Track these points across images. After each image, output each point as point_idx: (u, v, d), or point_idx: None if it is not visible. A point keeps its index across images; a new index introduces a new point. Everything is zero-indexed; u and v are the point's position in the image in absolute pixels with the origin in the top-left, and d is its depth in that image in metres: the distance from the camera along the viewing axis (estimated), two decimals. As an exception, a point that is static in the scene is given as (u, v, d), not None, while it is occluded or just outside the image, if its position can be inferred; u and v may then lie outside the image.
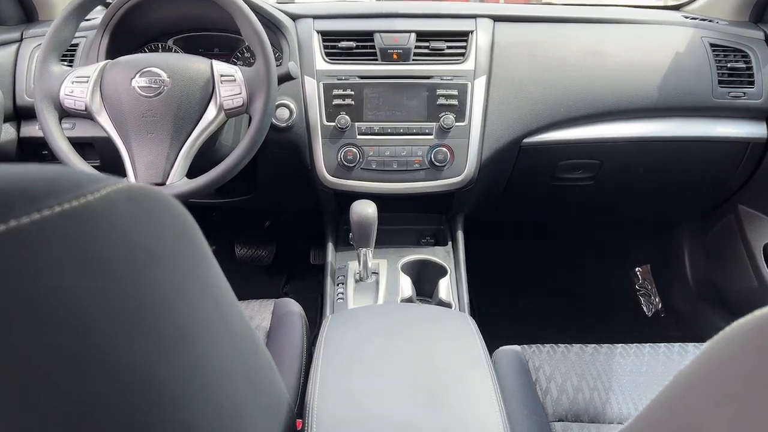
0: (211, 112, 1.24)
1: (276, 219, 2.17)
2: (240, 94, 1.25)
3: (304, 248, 2.15)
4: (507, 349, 1.21)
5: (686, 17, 1.63)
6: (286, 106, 1.45)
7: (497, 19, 1.53)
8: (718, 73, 1.50)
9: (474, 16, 1.51)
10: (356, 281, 1.39)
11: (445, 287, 1.35)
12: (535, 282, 2.16)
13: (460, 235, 1.55)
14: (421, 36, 1.48)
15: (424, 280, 1.41)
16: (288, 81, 1.32)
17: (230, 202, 1.66)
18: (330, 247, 1.52)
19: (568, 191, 1.69)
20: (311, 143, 1.45)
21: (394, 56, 1.47)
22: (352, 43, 1.47)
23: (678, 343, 1.28)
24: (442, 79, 1.45)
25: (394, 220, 1.59)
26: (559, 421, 1.12)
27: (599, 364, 1.23)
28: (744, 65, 1.51)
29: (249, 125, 1.24)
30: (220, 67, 1.26)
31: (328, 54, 1.47)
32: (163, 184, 1.23)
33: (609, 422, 1.12)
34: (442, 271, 1.40)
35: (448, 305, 1.29)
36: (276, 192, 1.67)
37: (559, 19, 1.57)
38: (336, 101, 1.44)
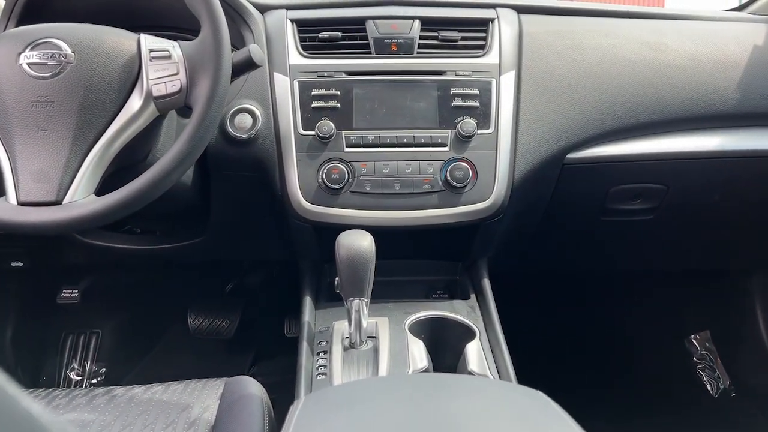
0: (135, 101, 0.90)
1: (240, 280, 1.77)
2: (176, 75, 0.90)
3: (277, 317, 1.73)
4: None
5: (753, 14, 1.33)
6: (249, 111, 1.09)
7: (522, 10, 1.21)
8: (815, 70, 1.17)
9: (493, 6, 1.19)
10: (345, 348, 0.97)
11: (475, 354, 0.95)
12: (570, 353, 1.76)
13: (486, 284, 1.16)
14: (428, 24, 1.16)
15: (444, 345, 1.03)
16: (249, 71, 0.97)
17: (172, 249, 1.25)
18: (308, 302, 1.11)
19: (621, 230, 1.33)
20: (282, 159, 1.09)
21: (393, 47, 1.14)
22: (337, 33, 1.13)
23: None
24: (457, 76, 1.12)
25: (393, 270, 1.19)
26: None
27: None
28: (843, 59, 1.18)
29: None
30: (149, 40, 0.90)
31: (305, 47, 1.14)
32: (57, 203, 0.85)
33: None
34: (468, 333, 1.02)
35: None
36: (235, 232, 1.27)
37: (601, 13, 1.25)
38: (316, 104, 1.09)
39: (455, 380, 0.63)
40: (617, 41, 1.18)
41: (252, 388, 0.88)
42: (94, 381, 1.68)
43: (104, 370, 1.69)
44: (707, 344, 1.76)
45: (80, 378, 1.68)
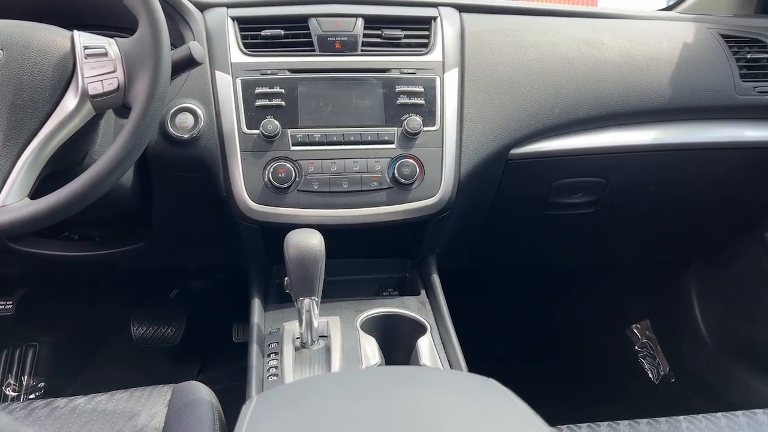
0: (70, 101, 0.86)
1: (185, 285, 1.71)
2: (113, 73, 0.87)
3: (224, 323, 1.68)
4: None
5: (683, 14, 1.39)
6: (190, 110, 1.07)
7: (463, 9, 1.22)
8: (738, 65, 1.24)
9: (435, 4, 1.20)
10: (297, 349, 0.95)
11: (427, 348, 0.96)
12: (519, 345, 1.79)
13: (436, 279, 1.16)
14: (371, 22, 1.16)
15: (396, 341, 1.03)
16: (189, 69, 0.94)
17: (113, 255, 1.21)
18: (256, 304, 1.09)
19: (564, 224, 1.36)
20: (226, 159, 1.06)
21: (337, 45, 1.13)
22: (280, 31, 1.12)
23: (761, 411, 0.91)
24: (402, 73, 1.12)
25: (343, 269, 1.19)
26: None
27: (664, 450, 0.83)
28: (765, 56, 1.26)
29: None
30: (84, 37, 0.87)
31: (247, 45, 1.12)
32: None
33: None
34: (419, 329, 1.02)
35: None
36: (179, 235, 1.24)
37: (540, 12, 1.28)
38: (260, 102, 1.07)
39: (408, 372, 0.63)
40: (556, 39, 1.21)
41: (201, 392, 0.86)
42: (32, 396, 1.60)
43: (43, 384, 1.62)
44: (648, 333, 1.82)
45: (17, 394, 1.60)
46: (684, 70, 1.22)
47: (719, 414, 0.90)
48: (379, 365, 0.91)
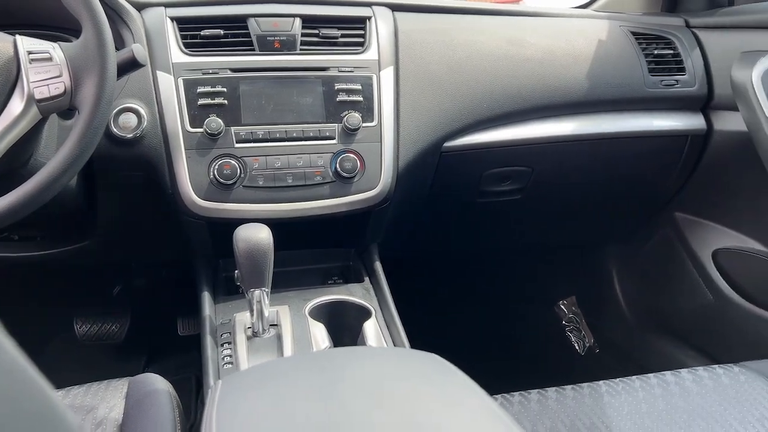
0: (16, 105, 0.86)
1: (127, 281, 1.71)
2: (59, 77, 0.88)
3: (169, 317, 1.69)
4: None
5: (597, 11, 1.49)
6: (133, 110, 1.08)
7: (395, 8, 1.28)
8: (647, 61, 1.35)
9: (369, 4, 1.25)
10: (249, 338, 1.00)
11: (372, 331, 1.02)
12: (458, 324, 1.88)
13: (378, 266, 1.22)
14: (308, 22, 1.20)
15: (342, 327, 1.09)
16: (133, 71, 0.95)
17: (56, 255, 1.21)
18: (206, 297, 1.12)
19: (495, 210, 1.45)
20: (171, 157, 1.09)
21: (276, 45, 1.16)
22: (219, 31, 1.14)
23: (669, 372, 1.02)
24: (340, 71, 1.16)
25: (289, 260, 1.23)
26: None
27: (588, 410, 0.94)
28: (670, 52, 1.38)
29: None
30: (27, 42, 0.88)
31: (187, 45, 1.14)
32: None
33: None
34: (364, 313, 1.08)
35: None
36: (125, 235, 1.25)
37: (469, 11, 1.36)
38: (203, 101, 1.10)
39: (359, 351, 0.69)
40: (484, 38, 1.28)
41: (158, 383, 0.89)
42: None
43: (-19, 388, 1.58)
44: (573, 308, 1.95)
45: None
46: (599, 66, 1.32)
47: (634, 377, 1.01)
48: (329, 348, 0.97)
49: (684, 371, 1.02)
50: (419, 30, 1.26)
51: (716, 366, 1.03)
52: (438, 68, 1.23)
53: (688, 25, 1.43)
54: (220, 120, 1.09)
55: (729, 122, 1.33)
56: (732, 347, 1.41)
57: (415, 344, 1.02)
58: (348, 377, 0.55)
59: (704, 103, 1.38)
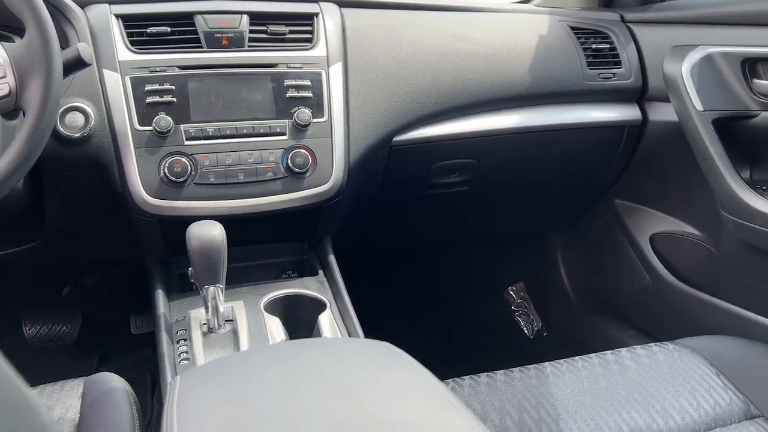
0: None
1: (77, 281, 1.68)
2: (4, 79, 0.87)
3: (122, 315, 1.68)
4: None
5: (537, 6, 1.54)
6: (80, 109, 1.07)
7: (343, 4, 1.30)
8: (585, 55, 1.41)
9: (316, 0, 1.26)
10: (204, 334, 1.01)
11: (327, 323, 1.05)
12: (411, 313, 1.92)
13: (332, 259, 1.24)
14: (256, 18, 1.20)
15: (298, 320, 1.11)
16: (78, 70, 0.95)
17: (5, 256, 1.19)
18: (160, 294, 1.12)
19: (444, 202, 1.49)
20: (120, 156, 1.08)
21: (224, 42, 1.17)
22: (166, 28, 1.14)
23: (609, 351, 1.08)
24: (289, 68, 1.17)
25: (242, 256, 1.24)
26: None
27: (534, 390, 0.99)
28: (607, 46, 1.44)
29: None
30: None
31: (134, 42, 1.13)
32: None
33: (571, 460, 0.86)
34: (319, 306, 1.10)
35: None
36: (75, 235, 1.24)
37: (414, 6, 1.39)
38: (151, 99, 1.09)
39: (314, 342, 0.72)
40: (429, 33, 1.31)
41: (115, 382, 0.89)
42: None
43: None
44: (522, 294, 2.02)
45: None
46: (540, 60, 1.37)
47: (577, 357, 1.06)
48: (285, 341, 0.99)
49: (623, 350, 1.08)
50: (366, 26, 1.28)
51: (653, 344, 1.09)
52: (386, 64, 1.25)
53: (623, 20, 1.49)
54: (169, 118, 1.08)
55: (662, 113, 1.40)
56: (668, 326, 1.50)
57: (369, 334, 1.04)
58: (303, 369, 0.57)
59: (639, 94, 1.45)
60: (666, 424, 0.92)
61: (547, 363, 1.05)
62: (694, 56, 1.25)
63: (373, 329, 1.09)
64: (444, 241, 1.94)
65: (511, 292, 2.02)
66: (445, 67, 1.29)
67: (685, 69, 1.25)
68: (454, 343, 1.81)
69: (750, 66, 1.21)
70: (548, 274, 1.92)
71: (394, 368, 0.59)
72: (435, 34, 1.32)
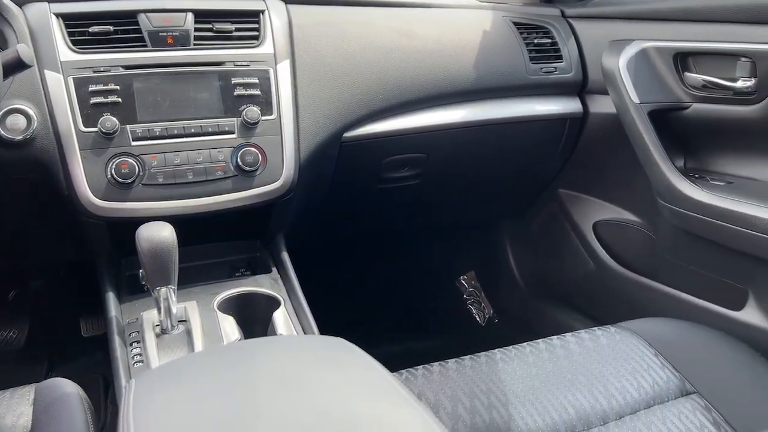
0: None
1: (24, 285, 1.64)
2: None
3: (72, 318, 1.64)
4: None
5: (481, 2, 1.57)
6: (21, 111, 1.05)
7: (289, 1, 1.30)
8: (528, 49, 1.45)
9: None
10: (158, 335, 1.00)
11: (282, 320, 1.06)
12: (366, 305, 1.94)
13: (285, 257, 1.25)
14: (201, 16, 1.19)
15: (252, 318, 1.11)
16: (20, 71, 0.93)
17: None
18: (110, 297, 1.11)
19: (395, 195, 1.51)
20: (65, 158, 1.07)
21: (169, 40, 1.16)
22: (109, 27, 1.12)
23: (555, 336, 1.13)
24: (236, 66, 1.17)
25: (194, 255, 1.24)
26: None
27: (485, 377, 1.02)
28: (549, 41, 1.49)
29: None
30: None
31: (75, 42, 1.11)
32: None
33: (520, 442, 0.90)
34: (273, 303, 1.11)
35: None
36: (19, 239, 1.21)
37: (360, 3, 1.40)
38: (95, 99, 1.08)
39: (270, 341, 0.73)
40: (375, 30, 1.33)
41: (67, 387, 0.89)
42: None
43: None
44: (473, 282, 2.07)
45: None
46: (485, 55, 1.40)
47: (525, 344, 1.10)
48: (239, 341, 1.00)
49: (568, 335, 1.12)
50: (313, 23, 1.28)
51: (596, 328, 1.14)
52: (333, 61, 1.26)
53: (564, 16, 1.54)
54: (114, 118, 1.07)
55: (602, 105, 1.46)
56: (612, 309, 1.56)
57: (325, 330, 1.06)
58: (259, 369, 0.59)
59: (580, 88, 1.50)
60: (609, 404, 0.97)
61: (496, 350, 1.08)
62: (630, 51, 1.30)
63: (327, 324, 1.11)
64: (396, 234, 1.97)
65: (463, 281, 2.07)
66: (392, 63, 1.31)
67: (622, 63, 1.30)
68: (408, 333, 1.84)
69: (681, 60, 1.27)
70: (498, 263, 1.98)
71: (349, 364, 0.61)
72: (381, 31, 1.34)
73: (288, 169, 1.17)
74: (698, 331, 1.14)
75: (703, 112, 1.25)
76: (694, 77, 1.24)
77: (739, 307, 1.21)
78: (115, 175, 1.06)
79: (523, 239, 1.90)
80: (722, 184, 1.23)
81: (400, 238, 2.01)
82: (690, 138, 1.31)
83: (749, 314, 1.19)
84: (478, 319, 2.01)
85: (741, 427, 0.93)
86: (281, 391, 0.55)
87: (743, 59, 1.15)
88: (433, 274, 2.09)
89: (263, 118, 1.16)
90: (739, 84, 1.16)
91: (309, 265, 1.34)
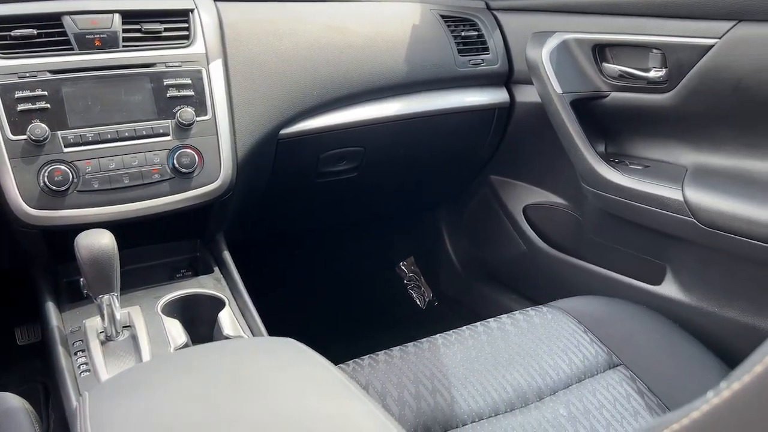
0: None
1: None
2: None
3: (5, 327, 1.59)
4: None
5: (409, -6, 1.60)
6: (-57, 121, 1.00)
7: (216, -3, 1.29)
8: (456, 42, 1.50)
9: None
10: (103, 342, 1.00)
11: (228, 320, 1.07)
12: (310, 298, 1.96)
13: (227, 255, 1.26)
14: (128, 17, 1.17)
15: (197, 319, 1.12)
16: None
17: None
18: (50, 306, 1.09)
19: (334, 188, 1.54)
20: (-7, 167, 1.02)
21: (97, 43, 1.13)
22: (32, 31, 1.09)
23: (492, 319, 1.19)
24: (168, 67, 1.16)
25: (134, 258, 1.23)
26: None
27: (428, 362, 1.07)
28: (475, 33, 1.53)
29: None
30: None
31: None
32: None
33: (464, 424, 0.95)
34: (218, 304, 1.12)
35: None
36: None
37: (287, -2, 1.39)
38: (22, 106, 1.05)
39: (220, 346, 0.75)
40: (308, 27, 1.34)
41: (12, 401, 0.87)
42: None
43: None
44: (413, 267, 2.12)
45: None
46: (415, 49, 1.43)
47: (464, 327, 1.16)
48: (186, 344, 1.01)
49: (504, 317, 1.19)
50: (244, 21, 1.28)
51: (530, 309, 1.21)
52: (266, 58, 1.27)
53: (488, 8, 1.59)
54: (44, 125, 1.05)
55: (527, 95, 1.52)
56: (544, 289, 1.64)
57: (271, 327, 1.08)
58: (212, 375, 0.61)
59: (506, 78, 1.56)
60: (543, 380, 1.03)
61: (438, 335, 1.13)
62: (552, 42, 1.37)
63: (273, 321, 1.13)
64: (336, 226, 2.00)
65: (403, 267, 2.12)
66: (324, 59, 1.33)
67: (544, 54, 1.36)
68: (353, 323, 1.88)
69: (600, 51, 1.34)
70: (435, 247, 2.04)
71: (298, 364, 0.64)
72: (313, 27, 1.35)
73: (225, 169, 1.17)
74: (623, 307, 1.22)
75: (621, 100, 1.32)
76: (612, 67, 1.31)
77: (658, 281, 1.31)
78: (48, 183, 1.04)
79: (458, 224, 1.96)
80: (639, 167, 1.32)
81: (341, 231, 2.04)
82: (610, 125, 1.39)
83: (667, 288, 1.29)
84: (418, 302, 2.06)
85: (662, 393, 1.02)
86: (236, 395, 0.58)
87: (655, 51, 1.22)
88: (374, 261, 2.13)
89: (198, 118, 1.15)
90: (652, 74, 1.23)
91: (251, 263, 1.35)
